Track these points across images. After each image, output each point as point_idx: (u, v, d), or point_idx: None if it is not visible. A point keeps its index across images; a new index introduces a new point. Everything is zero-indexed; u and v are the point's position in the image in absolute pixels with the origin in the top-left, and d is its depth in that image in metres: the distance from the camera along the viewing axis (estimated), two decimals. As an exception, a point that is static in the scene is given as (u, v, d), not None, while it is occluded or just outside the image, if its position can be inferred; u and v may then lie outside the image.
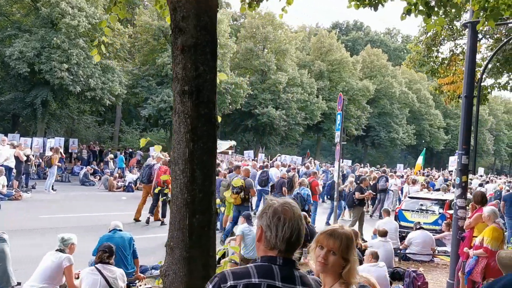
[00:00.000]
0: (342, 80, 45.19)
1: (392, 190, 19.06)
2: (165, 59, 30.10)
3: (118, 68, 28.72)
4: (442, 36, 13.03)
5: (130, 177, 21.60)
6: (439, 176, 26.74)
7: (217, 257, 4.06)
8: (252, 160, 26.18)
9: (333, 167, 22.04)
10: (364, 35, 68.53)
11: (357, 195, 12.38)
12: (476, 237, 7.16)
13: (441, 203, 13.06)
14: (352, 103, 45.01)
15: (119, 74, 28.54)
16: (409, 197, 13.79)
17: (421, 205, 13.13)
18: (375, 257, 7.00)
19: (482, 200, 7.42)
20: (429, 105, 57.29)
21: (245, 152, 30.24)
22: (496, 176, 44.00)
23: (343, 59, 45.65)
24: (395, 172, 24.23)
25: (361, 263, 6.90)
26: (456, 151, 32.83)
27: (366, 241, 9.89)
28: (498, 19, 5.95)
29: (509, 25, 11.14)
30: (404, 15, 5.45)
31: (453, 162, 29.01)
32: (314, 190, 13.52)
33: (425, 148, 35.49)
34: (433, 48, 13.47)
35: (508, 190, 18.36)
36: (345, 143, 53.18)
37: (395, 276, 8.46)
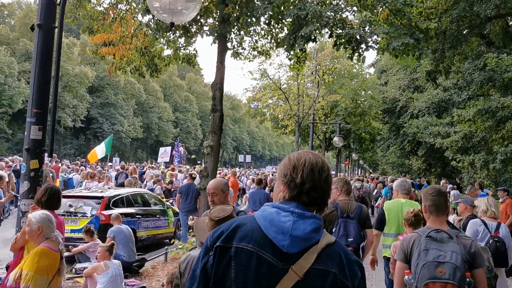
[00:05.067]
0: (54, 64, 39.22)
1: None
2: None
3: None
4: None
5: None
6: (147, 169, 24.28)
7: None
8: None
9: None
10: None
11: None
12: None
13: (99, 201, 9.93)
14: (67, 90, 39.62)
15: None
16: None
17: (70, 205, 9.74)
18: None
19: (41, 199, 4.22)
20: (158, 98, 56.04)
21: None
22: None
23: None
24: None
25: None
26: (176, 142, 30.08)
27: None
28: None
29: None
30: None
31: (163, 153, 27.06)
32: None
33: (112, 135, 30.20)
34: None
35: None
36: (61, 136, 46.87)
37: None
